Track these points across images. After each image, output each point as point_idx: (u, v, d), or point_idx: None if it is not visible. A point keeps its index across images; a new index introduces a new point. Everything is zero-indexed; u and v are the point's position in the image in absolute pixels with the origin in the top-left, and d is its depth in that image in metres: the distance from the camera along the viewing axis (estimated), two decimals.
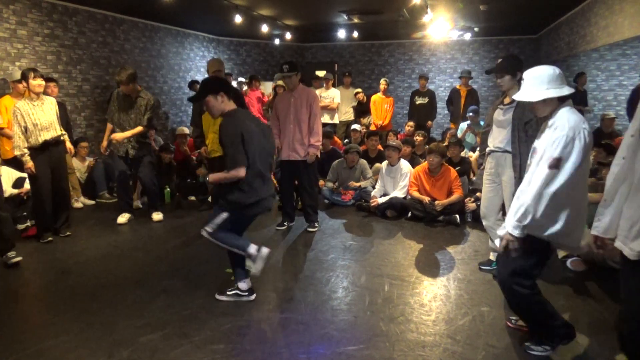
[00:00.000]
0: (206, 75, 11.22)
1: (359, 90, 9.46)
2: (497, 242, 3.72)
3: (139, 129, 5.12)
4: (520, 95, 2.48)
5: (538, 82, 2.41)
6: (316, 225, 5.10)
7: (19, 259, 4.02)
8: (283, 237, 4.89)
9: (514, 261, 2.45)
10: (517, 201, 2.37)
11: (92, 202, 6.32)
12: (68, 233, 4.91)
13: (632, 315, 2.05)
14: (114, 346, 2.72)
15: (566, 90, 2.37)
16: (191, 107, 10.80)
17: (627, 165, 2.03)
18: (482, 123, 5.49)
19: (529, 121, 3.25)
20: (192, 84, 9.48)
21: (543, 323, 2.57)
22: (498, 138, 3.53)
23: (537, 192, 2.28)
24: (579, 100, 7.42)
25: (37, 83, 4.43)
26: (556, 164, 2.24)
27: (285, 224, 5.16)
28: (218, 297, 3.35)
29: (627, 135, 2.05)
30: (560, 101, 2.39)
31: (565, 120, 2.29)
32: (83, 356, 2.63)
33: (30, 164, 4.40)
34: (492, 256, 3.89)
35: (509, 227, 2.38)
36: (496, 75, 3.48)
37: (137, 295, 3.44)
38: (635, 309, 2.03)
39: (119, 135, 5.05)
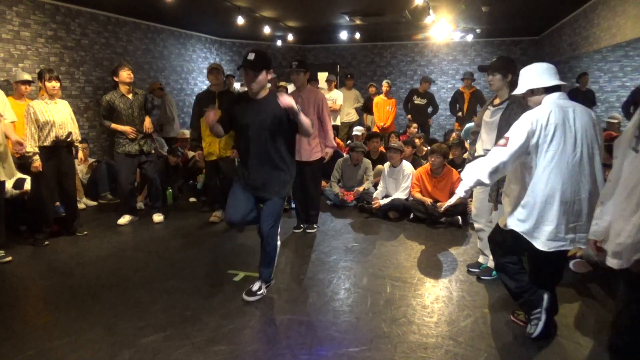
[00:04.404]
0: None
1: (373, 83, 9.66)
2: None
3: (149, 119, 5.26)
4: (515, 91, 2.76)
5: (526, 76, 2.65)
6: (315, 226, 5.09)
7: (9, 258, 4.05)
8: (284, 238, 4.88)
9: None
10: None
11: (94, 203, 6.33)
12: (85, 232, 4.96)
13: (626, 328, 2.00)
14: (115, 347, 2.72)
15: (553, 82, 2.58)
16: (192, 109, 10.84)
17: (617, 166, 2.01)
18: None
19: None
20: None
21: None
22: (486, 142, 3.50)
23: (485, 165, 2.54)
24: (582, 101, 7.40)
25: (52, 85, 4.51)
26: (504, 143, 2.50)
27: (302, 226, 5.11)
28: (247, 298, 3.28)
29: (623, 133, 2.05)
30: (547, 92, 2.59)
31: (536, 107, 2.57)
32: (85, 357, 2.63)
33: (38, 163, 4.42)
34: (481, 259, 3.87)
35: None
36: (488, 73, 3.48)
37: (139, 296, 3.44)
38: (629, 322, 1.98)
39: (149, 123, 5.19)
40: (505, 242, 2.74)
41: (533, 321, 2.70)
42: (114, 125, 5.05)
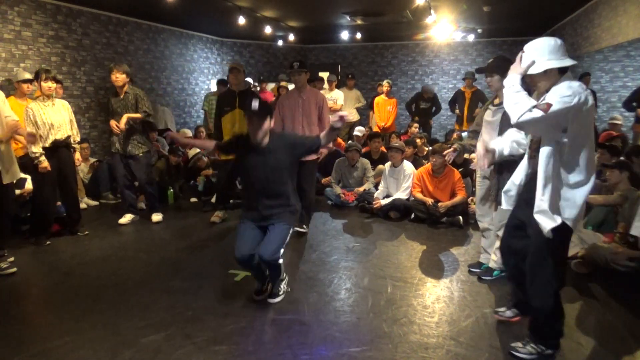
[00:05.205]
0: (210, 77, 11.25)
1: (381, 82, 9.79)
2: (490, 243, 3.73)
3: (137, 115, 5.08)
4: (528, 69, 2.40)
5: (538, 54, 2.34)
6: (304, 227, 4.98)
7: (13, 270, 3.92)
8: None
9: None
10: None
11: (95, 202, 6.34)
12: (86, 232, 4.98)
13: None
14: (116, 347, 2.72)
15: (568, 61, 2.32)
16: (194, 108, 10.85)
17: None
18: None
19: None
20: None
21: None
22: (487, 142, 3.49)
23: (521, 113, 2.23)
24: None
25: (47, 85, 4.50)
26: (545, 107, 2.18)
27: (305, 227, 5.10)
28: (271, 300, 3.31)
29: None
30: (561, 74, 2.34)
31: (564, 86, 2.25)
32: (86, 357, 2.63)
33: (45, 164, 4.44)
34: (482, 258, 3.87)
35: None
36: (486, 75, 3.47)
37: (140, 296, 3.44)
38: None
39: (123, 120, 4.99)
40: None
41: (530, 348, 2.59)
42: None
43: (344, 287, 3.60)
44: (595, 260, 3.70)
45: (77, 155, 4.95)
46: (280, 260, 3.17)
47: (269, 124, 3.11)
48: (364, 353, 2.65)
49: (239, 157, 3.30)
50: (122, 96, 5.12)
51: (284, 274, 3.43)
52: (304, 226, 5.04)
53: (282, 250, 3.14)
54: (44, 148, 4.51)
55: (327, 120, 4.85)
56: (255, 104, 3.05)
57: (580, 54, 8.49)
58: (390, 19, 8.98)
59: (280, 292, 3.36)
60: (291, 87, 5.06)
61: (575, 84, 2.26)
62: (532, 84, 2.47)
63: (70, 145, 4.77)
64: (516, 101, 2.29)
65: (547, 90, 2.34)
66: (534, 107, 2.21)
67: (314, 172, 5.14)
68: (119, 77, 5.04)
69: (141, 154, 5.26)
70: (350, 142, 7.02)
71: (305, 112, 4.74)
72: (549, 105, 2.18)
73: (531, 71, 2.35)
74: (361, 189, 6.14)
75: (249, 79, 9.82)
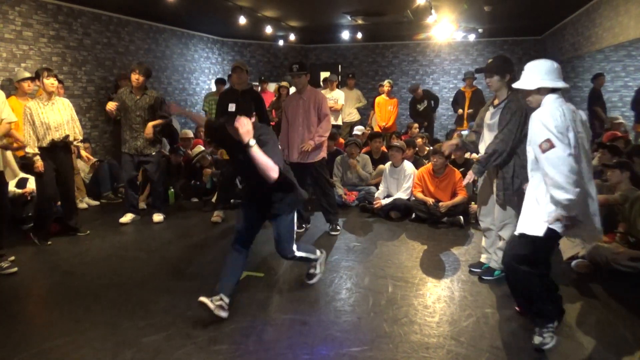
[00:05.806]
0: (210, 77, 11.25)
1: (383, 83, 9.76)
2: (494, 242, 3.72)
3: (159, 121, 5.22)
4: (517, 84, 2.67)
5: (535, 73, 2.58)
6: (338, 228, 5.00)
7: (14, 269, 3.92)
8: None
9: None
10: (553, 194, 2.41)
11: (96, 202, 6.34)
12: (87, 232, 4.99)
13: None
14: (117, 346, 2.72)
15: (560, 84, 2.55)
16: (195, 108, 10.85)
17: None
18: None
19: (507, 123, 3.26)
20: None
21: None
22: (488, 142, 3.49)
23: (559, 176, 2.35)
24: (595, 101, 7.43)
25: (50, 82, 4.50)
26: (549, 146, 2.36)
27: (304, 226, 5.12)
28: (308, 281, 3.49)
29: None
30: (552, 91, 2.54)
31: (543, 108, 2.48)
32: (87, 356, 2.63)
33: (39, 163, 4.43)
34: (483, 258, 3.86)
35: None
36: (485, 75, 3.47)
37: (141, 295, 3.44)
38: None
39: (149, 129, 5.12)
40: (537, 250, 2.57)
41: (547, 332, 2.61)
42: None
43: (344, 286, 3.60)
44: (596, 260, 3.70)
45: (83, 153, 4.95)
46: (297, 254, 3.27)
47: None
48: (364, 353, 2.65)
49: (226, 146, 3.31)
50: (138, 97, 5.18)
51: (317, 253, 3.49)
52: (338, 228, 5.02)
53: (295, 245, 3.25)
54: (42, 148, 4.50)
55: (327, 117, 4.85)
56: (232, 107, 3.00)
57: (582, 53, 8.49)
58: (391, 19, 8.98)
59: (317, 272, 3.46)
60: (292, 88, 5.06)
61: (549, 109, 2.45)
62: (525, 97, 2.71)
63: (68, 145, 4.76)
64: (556, 178, 2.35)
65: (538, 105, 2.56)
66: (541, 152, 2.39)
67: (326, 171, 5.13)
68: (139, 79, 5.14)
69: (154, 153, 5.33)
70: (349, 138, 7.01)
71: (305, 113, 4.76)
72: (549, 141, 2.36)
73: (526, 87, 2.60)
74: (362, 172, 6.20)
75: None
